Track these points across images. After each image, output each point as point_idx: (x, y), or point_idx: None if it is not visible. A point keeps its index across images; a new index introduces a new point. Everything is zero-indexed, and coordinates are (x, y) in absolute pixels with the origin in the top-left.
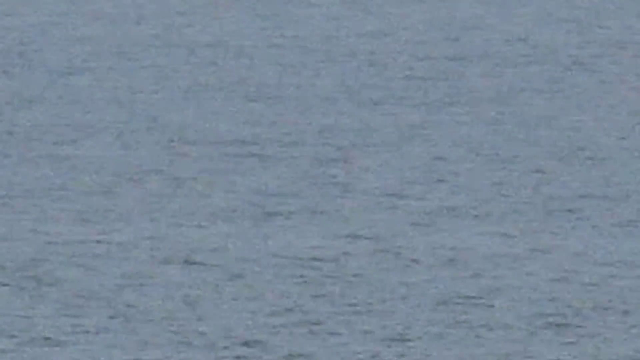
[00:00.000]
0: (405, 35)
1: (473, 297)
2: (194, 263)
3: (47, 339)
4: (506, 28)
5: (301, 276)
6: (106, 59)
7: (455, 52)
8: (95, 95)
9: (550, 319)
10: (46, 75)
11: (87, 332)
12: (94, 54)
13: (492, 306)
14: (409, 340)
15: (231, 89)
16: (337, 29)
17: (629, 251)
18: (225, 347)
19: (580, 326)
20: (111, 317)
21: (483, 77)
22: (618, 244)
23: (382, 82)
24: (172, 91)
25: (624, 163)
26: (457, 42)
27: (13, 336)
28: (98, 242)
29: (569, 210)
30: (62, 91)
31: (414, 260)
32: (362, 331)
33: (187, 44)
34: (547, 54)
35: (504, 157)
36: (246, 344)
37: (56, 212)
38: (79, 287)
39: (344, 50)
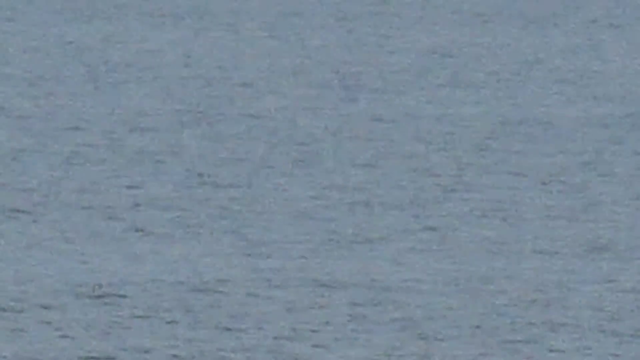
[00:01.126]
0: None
1: (405, 320)
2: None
3: None
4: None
5: (211, 303)
6: (74, 84)
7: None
8: (58, 119)
9: (504, 337)
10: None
11: None
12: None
13: (435, 329)
14: None
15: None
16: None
17: (580, 271)
18: None
19: (534, 343)
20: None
21: (408, 98)
22: (566, 265)
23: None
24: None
25: (561, 180)
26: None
27: None
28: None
29: (528, 236)
30: (17, 114)
31: (337, 284)
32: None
33: (155, 67)
34: (483, 72)
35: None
36: None
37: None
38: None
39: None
